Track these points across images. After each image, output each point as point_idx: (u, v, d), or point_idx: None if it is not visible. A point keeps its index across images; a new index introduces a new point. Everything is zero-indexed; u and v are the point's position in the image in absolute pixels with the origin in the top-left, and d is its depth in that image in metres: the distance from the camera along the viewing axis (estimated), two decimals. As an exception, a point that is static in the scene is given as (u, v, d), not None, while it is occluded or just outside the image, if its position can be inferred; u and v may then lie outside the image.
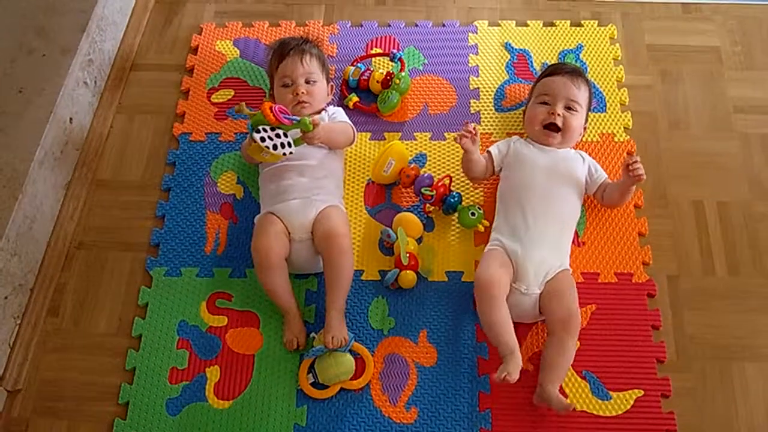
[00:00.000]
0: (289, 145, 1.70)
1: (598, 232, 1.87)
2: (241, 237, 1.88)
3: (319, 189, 1.81)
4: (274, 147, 1.67)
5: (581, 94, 1.86)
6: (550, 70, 1.92)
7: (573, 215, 1.80)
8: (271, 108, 1.68)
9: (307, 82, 1.91)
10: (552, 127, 1.83)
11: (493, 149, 1.86)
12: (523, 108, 1.99)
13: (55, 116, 1.89)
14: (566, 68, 1.90)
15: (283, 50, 1.95)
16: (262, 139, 1.66)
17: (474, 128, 1.81)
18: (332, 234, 1.71)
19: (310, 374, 1.68)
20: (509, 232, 1.74)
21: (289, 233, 1.76)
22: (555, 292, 1.67)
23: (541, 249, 1.70)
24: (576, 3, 2.31)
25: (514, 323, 1.64)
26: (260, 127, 1.68)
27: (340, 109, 1.98)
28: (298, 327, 1.73)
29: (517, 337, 1.61)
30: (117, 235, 1.94)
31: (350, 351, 1.68)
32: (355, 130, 1.93)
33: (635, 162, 1.74)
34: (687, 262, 1.84)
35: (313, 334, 1.71)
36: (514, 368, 1.55)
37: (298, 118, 1.71)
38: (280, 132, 1.69)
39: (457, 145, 1.99)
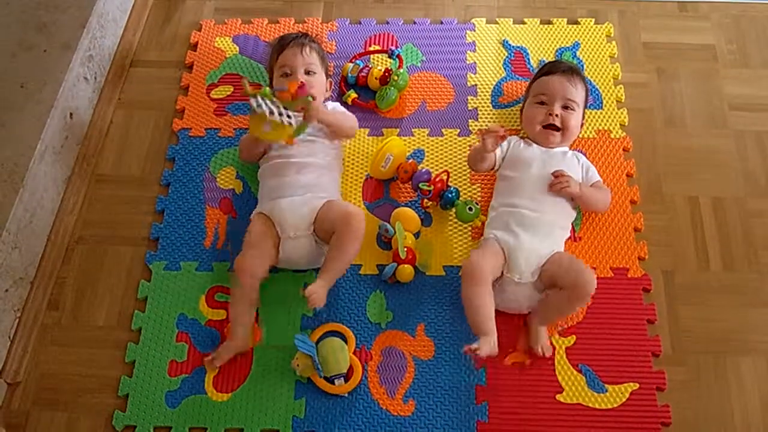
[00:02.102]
0: (289, 117, 1.71)
1: (594, 228, 1.88)
2: (240, 231, 1.87)
3: (317, 186, 1.82)
4: (280, 115, 1.71)
5: (578, 93, 1.88)
6: (547, 69, 1.93)
7: (567, 215, 1.81)
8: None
9: (307, 73, 1.93)
10: (551, 127, 1.85)
11: None
12: (520, 106, 2.00)
13: (55, 111, 1.90)
14: (562, 66, 1.92)
15: (283, 42, 1.97)
16: (271, 113, 1.69)
17: (505, 133, 1.79)
18: (350, 214, 1.72)
19: (335, 380, 1.68)
20: (502, 227, 1.76)
21: (279, 234, 1.77)
22: (556, 266, 1.68)
23: (532, 239, 1.71)
24: (573, 1, 2.33)
25: (509, 314, 1.69)
26: (262, 99, 1.70)
27: (338, 104, 2.00)
28: (229, 356, 1.72)
29: (511, 329, 1.67)
30: (117, 229, 1.95)
31: (330, 333, 1.74)
32: (355, 118, 1.96)
33: (558, 178, 1.78)
34: (682, 257, 1.86)
35: (296, 362, 1.69)
36: (484, 345, 1.57)
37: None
38: (283, 111, 1.72)
39: (455, 141, 2.02)
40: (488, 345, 1.58)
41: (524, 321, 1.72)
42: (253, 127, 1.75)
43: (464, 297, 1.66)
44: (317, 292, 1.64)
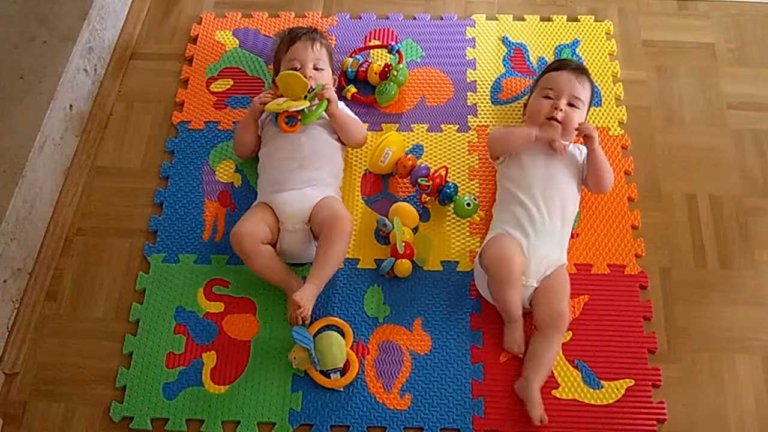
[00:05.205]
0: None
1: (591, 224, 1.89)
2: (239, 225, 1.89)
3: (316, 180, 1.83)
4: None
5: (584, 92, 1.89)
6: (557, 65, 1.94)
7: (573, 208, 1.82)
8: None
9: (315, 68, 1.93)
10: (553, 120, 1.86)
11: None
12: (524, 100, 2.01)
13: (55, 103, 1.90)
14: (572, 64, 1.93)
15: (293, 35, 1.98)
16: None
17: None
18: (337, 216, 1.72)
19: (331, 374, 1.68)
20: (514, 223, 1.75)
21: (279, 224, 1.78)
22: (550, 288, 1.69)
23: (546, 243, 1.72)
24: (573, -2, 2.34)
25: None
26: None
27: (343, 104, 1.99)
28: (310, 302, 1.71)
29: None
30: (115, 221, 1.95)
31: (328, 327, 1.74)
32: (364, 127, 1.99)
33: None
34: (679, 254, 1.86)
35: (293, 355, 1.68)
36: (512, 334, 1.69)
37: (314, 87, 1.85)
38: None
39: (454, 136, 2.03)
40: (518, 333, 1.70)
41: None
42: (271, 104, 1.85)
43: (497, 298, 1.69)
44: (308, 299, 1.65)
